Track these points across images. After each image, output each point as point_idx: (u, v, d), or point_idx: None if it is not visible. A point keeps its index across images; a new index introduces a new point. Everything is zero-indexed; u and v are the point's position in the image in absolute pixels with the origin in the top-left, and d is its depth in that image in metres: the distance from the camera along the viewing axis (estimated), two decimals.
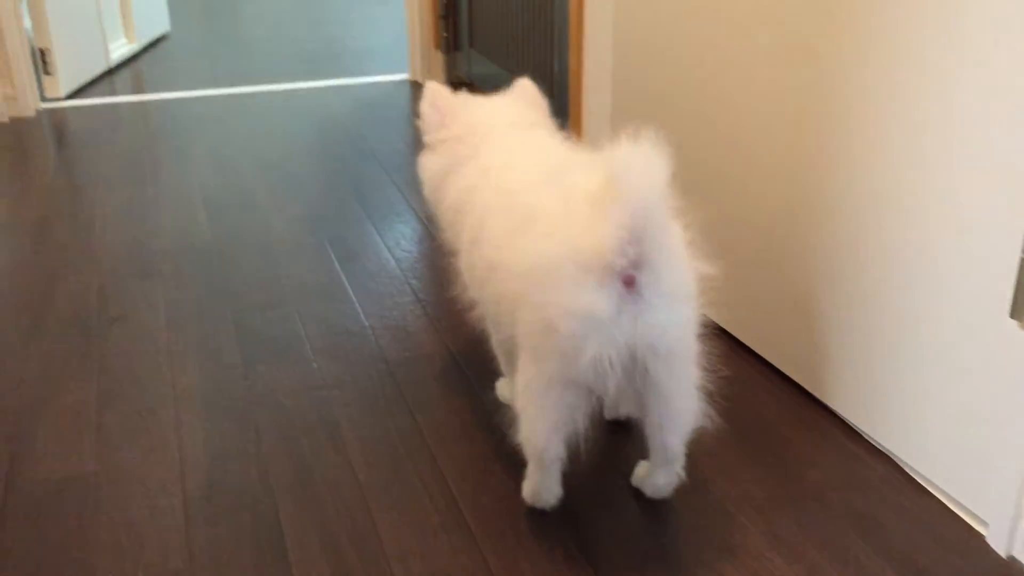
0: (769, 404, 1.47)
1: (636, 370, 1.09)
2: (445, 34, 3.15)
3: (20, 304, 1.80)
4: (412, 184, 2.39)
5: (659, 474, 1.23)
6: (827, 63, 1.32)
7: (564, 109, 2.31)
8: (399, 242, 2.06)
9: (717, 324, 1.68)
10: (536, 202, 1.13)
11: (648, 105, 1.78)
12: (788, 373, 1.53)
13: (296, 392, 1.52)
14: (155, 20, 3.74)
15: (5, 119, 2.82)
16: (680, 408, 1.16)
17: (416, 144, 2.67)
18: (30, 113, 2.87)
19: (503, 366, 1.41)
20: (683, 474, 1.22)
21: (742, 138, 1.53)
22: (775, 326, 1.54)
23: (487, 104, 1.43)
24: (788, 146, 1.43)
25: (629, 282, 1.03)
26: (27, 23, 3.14)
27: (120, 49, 3.44)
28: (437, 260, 1.98)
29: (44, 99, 3.00)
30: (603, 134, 2.01)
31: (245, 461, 1.35)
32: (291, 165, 2.50)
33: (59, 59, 3.00)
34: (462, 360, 1.61)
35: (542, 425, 1.16)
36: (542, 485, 1.23)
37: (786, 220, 1.46)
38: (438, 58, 3.22)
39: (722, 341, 1.65)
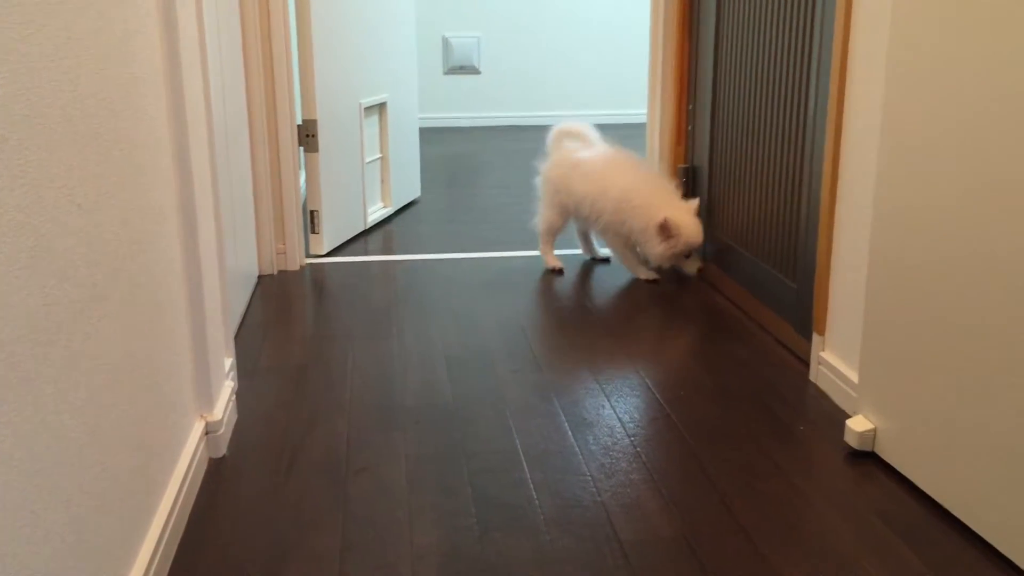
0: None
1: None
2: None
3: (278, 445, 1.92)
4: (643, 358, 2.39)
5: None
6: None
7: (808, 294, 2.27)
8: (632, 416, 2.05)
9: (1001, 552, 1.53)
10: None
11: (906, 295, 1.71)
12: None
13: (529, 564, 1.51)
14: (409, 188, 4.06)
15: (275, 272, 3.11)
16: None
17: (652, 313, 2.71)
18: (295, 267, 3.15)
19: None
20: None
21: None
22: None
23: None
24: None
25: None
26: (303, 187, 3.50)
27: (376, 212, 3.74)
28: (672, 439, 1.95)
29: (308, 255, 3.29)
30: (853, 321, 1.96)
31: None
32: (528, 329, 2.58)
33: (326, 220, 3.31)
34: (699, 549, 1.55)
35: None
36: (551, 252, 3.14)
37: None
38: None
39: (989, 559, 1.50)
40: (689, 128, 3.18)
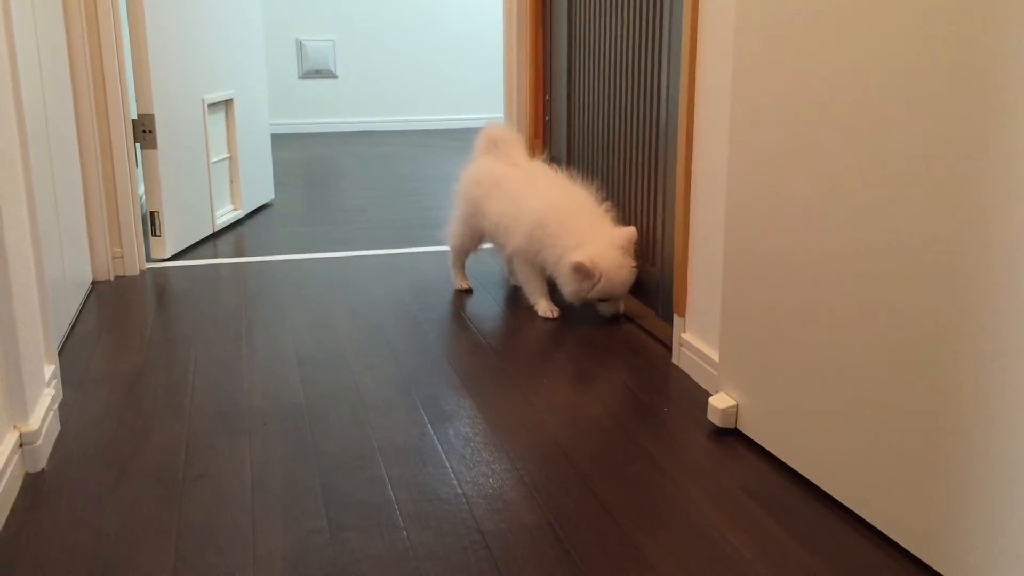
0: None
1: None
2: None
3: (106, 456, 1.74)
4: (504, 349, 2.32)
5: None
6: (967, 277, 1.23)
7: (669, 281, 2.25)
8: (494, 405, 1.97)
9: (847, 506, 1.52)
10: None
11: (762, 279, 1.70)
12: (927, 561, 1.35)
13: (384, 563, 1.40)
14: (261, 189, 3.88)
15: (111, 277, 2.88)
16: None
17: (508, 309, 2.64)
18: (135, 272, 2.94)
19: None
20: None
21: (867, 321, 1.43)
22: (917, 509, 1.38)
23: None
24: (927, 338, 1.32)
25: None
26: (141, 188, 3.28)
27: (226, 215, 3.55)
28: (534, 427, 1.88)
29: (150, 259, 3.08)
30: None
31: None
32: (385, 327, 2.46)
33: (168, 222, 3.10)
34: (563, 534, 1.48)
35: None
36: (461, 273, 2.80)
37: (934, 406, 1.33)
38: None
39: (850, 524, 1.49)
40: (547, 119, 3.14)
